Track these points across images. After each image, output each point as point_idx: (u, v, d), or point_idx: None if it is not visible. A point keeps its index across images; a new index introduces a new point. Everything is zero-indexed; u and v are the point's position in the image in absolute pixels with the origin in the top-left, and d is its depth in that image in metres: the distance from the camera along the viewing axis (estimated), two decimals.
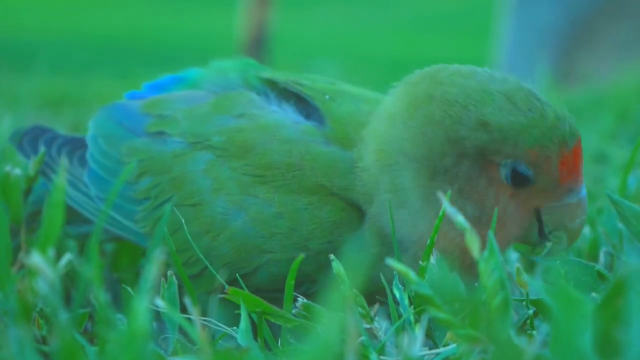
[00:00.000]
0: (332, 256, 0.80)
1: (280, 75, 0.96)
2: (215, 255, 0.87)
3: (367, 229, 0.85)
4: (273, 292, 0.85)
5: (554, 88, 3.28)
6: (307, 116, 0.91)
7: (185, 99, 0.97)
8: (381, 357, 0.74)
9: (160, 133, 0.94)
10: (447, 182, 0.82)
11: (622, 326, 0.56)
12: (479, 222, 0.81)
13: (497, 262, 0.70)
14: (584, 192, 0.83)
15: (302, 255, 0.80)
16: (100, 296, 0.65)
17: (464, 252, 0.76)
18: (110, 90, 3.47)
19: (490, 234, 0.72)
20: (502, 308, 0.69)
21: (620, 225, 0.92)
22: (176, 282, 0.81)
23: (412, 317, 0.77)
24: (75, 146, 1.03)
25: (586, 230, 1.12)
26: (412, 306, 0.78)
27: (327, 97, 0.92)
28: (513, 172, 0.81)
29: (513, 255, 1.03)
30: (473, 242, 0.70)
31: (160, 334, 0.83)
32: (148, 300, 0.61)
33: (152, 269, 0.64)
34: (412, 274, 0.72)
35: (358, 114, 0.90)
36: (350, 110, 0.90)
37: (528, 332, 0.78)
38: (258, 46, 5.41)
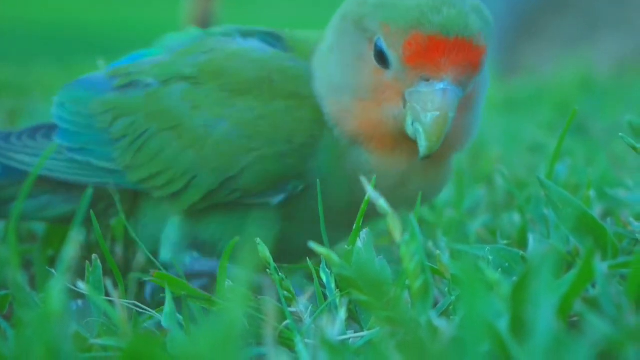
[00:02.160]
0: (257, 240, 0.80)
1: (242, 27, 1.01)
2: (201, 165, 0.91)
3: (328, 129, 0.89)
4: (260, 197, 0.90)
5: (498, 80, 3.31)
6: (273, 46, 0.96)
7: (149, 61, 1.00)
8: (306, 340, 0.74)
9: (130, 84, 0.98)
10: (333, 54, 0.88)
11: (532, 308, 0.57)
12: (347, 93, 0.87)
13: (418, 246, 0.70)
14: (441, 85, 0.81)
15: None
16: (16, 276, 0.65)
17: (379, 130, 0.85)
18: (52, 78, 3.43)
19: (412, 218, 0.73)
20: (423, 291, 0.70)
21: (547, 211, 0.93)
22: (101, 266, 0.80)
23: (338, 301, 0.77)
24: (35, 130, 1.03)
25: (515, 217, 1.14)
26: (337, 290, 0.78)
27: (286, 30, 0.98)
28: (375, 46, 0.84)
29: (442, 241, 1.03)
30: (395, 226, 0.71)
31: (87, 317, 0.82)
32: (64, 281, 0.60)
33: (70, 249, 0.63)
34: (335, 257, 0.73)
35: (313, 37, 0.95)
36: (306, 36, 0.96)
37: (451, 316, 0.78)
38: None
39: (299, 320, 0.77)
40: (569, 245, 0.86)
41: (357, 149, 0.88)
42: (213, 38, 0.99)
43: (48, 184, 0.99)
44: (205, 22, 5.48)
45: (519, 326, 0.60)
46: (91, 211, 0.85)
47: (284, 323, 0.75)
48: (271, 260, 0.79)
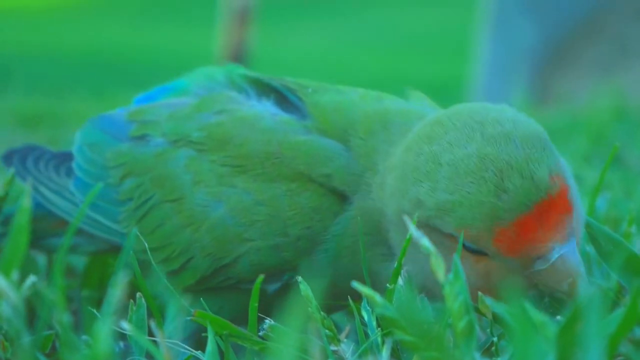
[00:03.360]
0: (299, 278, 0.79)
1: (265, 75, 0.97)
2: (196, 248, 0.87)
3: (347, 217, 0.84)
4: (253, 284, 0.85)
5: (530, 109, 3.30)
6: (288, 111, 0.90)
7: (170, 105, 0.97)
8: None
9: (143, 136, 0.95)
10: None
11: (580, 350, 0.56)
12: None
13: (462, 285, 0.70)
14: (555, 255, 0.75)
15: (261, 277, 0.79)
16: (63, 318, 0.65)
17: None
18: (87, 108, 3.45)
19: (456, 257, 0.73)
20: (467, 331, 0.70)
21: (589, 248, 0.92)
22: (145, 304, 0.80)
23: (379, 340, 0.77)
24: (63, 159, 1.03)
25: None
26: (379, 328, 0.78)
27: (309, 90, 0.92)
28: (464, 245, 0.77)
29: None
30: (438, 266, 0.71)
31: (128, 356, 0.82)
32: (111, 323, 0.61)
33: (116, 291, 0.64)
34: (377, 297, 0.73)
35: (344, 103, 0.89)
36: (336, 100, 0.90)
37: (494, 358, 0.78)
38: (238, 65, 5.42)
39: (340, 359, 0.77)
40: (610, 282, 0.85)
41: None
42: (228, 94, 0.94)
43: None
44: (239, 51, 5.52)
45: None
46: (132, 254, 0.85)
47: None
48: (313, 299, 0.79)
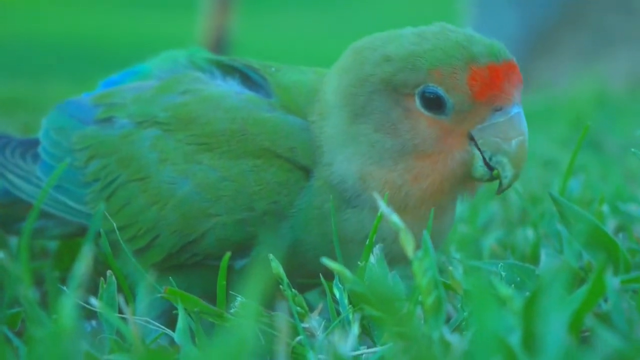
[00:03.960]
0: (270, 255, 0.79)
1: (227, 57, 0.98)
2: (163, 225, 0.87)
3: (317, 186, 0.85)
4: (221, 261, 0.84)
5: None
6: (253, 90, 0.92)
7: (135, 88, 0.98)
8: (319, 356, 0.74)
9: (109, 118, 0.95)
10: (364, 122, 0.83)
11: (544, 323, 0.57)
12: (405, 155, 0.82)
13: (431, 262, 0.70)
14: (514, 110, 0.81)
15: (228, 254, 0.80)
16: (28, 293, 0.65)
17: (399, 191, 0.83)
18: (66, 93, 3.44)
19: (426, 234, 0.73)
20: (436, 306, 0.70)
21: (560, 227, 0.93)
22: (115, 282, 0.80)
23: (350, 316, 0.77)
24: (29, 146, 1.03)
25: (529, 232, 1.13)
26: (350, 305, 0.78)
27: (273, 69, 0.93)
28: (422, 97, 0.81)
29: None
30: (407, 242, 0.71)
31: (100, 334, 0.82)
32: (75, 297, 0.60)
33: (81, 266, 0.63)
34: (347, 273, 0.73)
35: (305, 82, 0.91)
36: (297, 79, 0.92)
37: (463, 332, 0.78)
38: (218, 51, 5.41)
39: (311, 335, 0.77)
40: (582, 260, 0.86)
41: (363, 212, 0.85)
42: (192, 75, 0.95)
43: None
44: (220, 38, 5.51)
45: (531, 341, 0.59)
46: (102, 231, 0.85)
47: (297, 339, 0.75)
48: (284, 276, 0.79)
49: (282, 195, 0.85)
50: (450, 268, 0.82)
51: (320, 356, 0.74)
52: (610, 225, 1.09)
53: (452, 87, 0.80)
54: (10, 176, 1.00)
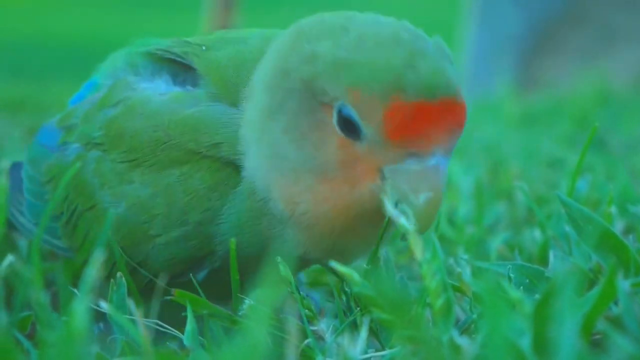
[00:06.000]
0: (279, 258, 0.77)
1: (163, 43, 0.89)
2: (115, 251, 0.82)
3: (244, 187, 0.78)
4: (181, 277, 0.81)
5: (515, 95, 3.31)
6: (181, 83, 0.83)
7: (86, 104, 0.91)
8: (328, 359, 0.74)
9: (65, 144, 0.90)
10: (277, 120, 0.73)
11: (556, 326, 0.57)
12: (307, 172, 0.73)
13: (440, 264, 0.70)
14: (433, 161, 0.69)
15: (233, 240, 0.77)
16: (39, 297, 0.65)
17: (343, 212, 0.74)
18: (70, 95, 3.44)
19: (433, 236, 0.73)
20: (445, 309, 0.70)
21: (568, 228, 0.93)
22: (125, 284, 0.80)
23: (359, 319, 0.77)
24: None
25: (536, 233, 1.13)
26: (358, 308, 0.78)
27: (203, 48, 0.84)
28: (339, 114, 0.70)
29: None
30: (416, 244, 0.70)
31: (110, 335, 0.82)
32: (87, 301, 0.60)
33: (92, 271, 0.63)
34: (356, 276, 0.72)
35: (245, 53, 0.81)
36: (235, 52, 0.82)
37: (473, 335, 0.78)
38: None
39: (320, 338, 0.77)
40: (591, 262, 0.86)
41: (291, 226, 0.77)
42: (125, 81, 0.87)
43: None
44: None
45: (542, 345, 0.59)
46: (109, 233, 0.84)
47: (306, 341, 0.75)
48: (292, 279, 0.78)
49: (213, 201, 0.78)
50: (459, 270, 0.82)
51: (329, 359, 0.74)
52: (618, 226, 1.09)
53: (367, 115, 0.69)
54: (12, 209, 0.98)
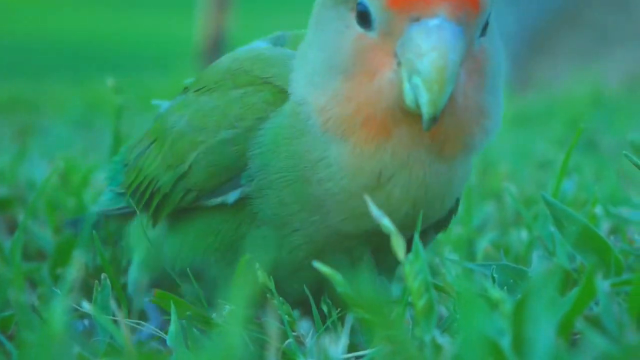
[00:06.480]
0: (257, 265, 0.77)
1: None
2: (160, 168, 0.86)
3: (288, 106, 0.80)
4: (213, 196, 0.82)
5: (509, 96, 3.31)
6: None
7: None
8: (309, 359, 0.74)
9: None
10: (314, 40, 0.77)
11: (533, 326, 0.57)
12: (332, 74, 0.74)
13: (422, 265, 0.70)
14: (434, 21, 0.68)
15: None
16: (19, 297, 0.65)
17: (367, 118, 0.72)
18: (63, 94, 3.44)
19: (416, 237, 0.72)
20: (427, 310, 0.70)
21: (553, 229, 0.93)
22: (110, 285, 0.80)
23: (337, 320, 0.78)
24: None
25: (523, 234, 1.14)
26: (340, 308, 0.78)
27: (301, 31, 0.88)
28: (357, 10, 0.72)
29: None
30: (398, 245, 0.70)
31: (92, 334, 0.83)
32: (66, 301, 0.60)
33: (72, 270, 0.63)
34: (338, 277, 0.72)
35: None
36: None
37: (455, 335, 0.78)
38: (216, 51, 5.40)
39: (301, 343, 0.77)
40: (575, 262, 0.86)
41: (330, 141, 0.75)
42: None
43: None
44: (218, 37, 5.50)
45: (521, 344, 0.59)
46: (94, 233, 0.85)
47: (286, 342, 0.75)
48: (271, 285, 0.78)
49: (268, 112, 0.80)
50: (444, 270, 0.82)
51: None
52: (604, 227, 1.09)
53: None
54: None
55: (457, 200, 0.86)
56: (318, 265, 0.71)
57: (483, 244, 1.14)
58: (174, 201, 0.84)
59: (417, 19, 0.68)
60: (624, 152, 0.88)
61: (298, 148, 0.77)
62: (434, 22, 0.67)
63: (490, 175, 1.66)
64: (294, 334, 0.76)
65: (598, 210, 0.99)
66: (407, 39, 0.68)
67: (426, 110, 0.67)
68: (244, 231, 0.82)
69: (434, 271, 0.92)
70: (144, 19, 11.19)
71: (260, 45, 0.89)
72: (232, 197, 0.81)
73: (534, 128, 2.77)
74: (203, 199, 0.82)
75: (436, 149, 0.73)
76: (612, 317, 0.65)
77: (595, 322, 0.66)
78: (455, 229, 1.21)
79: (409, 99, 0.69)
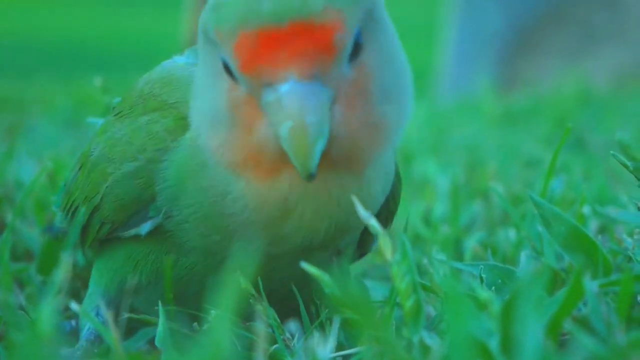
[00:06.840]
0: (238, 272, 0.75)
1: None
2: (79, 198, 0.84)
3: (190, 135, 0.77)
4: (126, 228, 0.80)
5: (496, 94, 3.32)
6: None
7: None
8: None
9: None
10: (199, 75, 0.74)
11: (521, 326, 0.57)
12: (216, 121, 0.71)
13: (410, 265, 0.70)
14: (285, 87, 0.65)
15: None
16: (7, 297, 0.65)
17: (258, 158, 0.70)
18: (51, 94, 3.43)
19: (404, 237, 0.72)
20: (415, 310, 0.70)
21: (540, 229, 0.93)
22: None
23: (327, 321, 0.78)
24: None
25: (511, 233, 1.14)
26: (328, 308, 0.78)
27: None
28: (222, 61, 0.69)
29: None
30: (386, 245, 0.70)
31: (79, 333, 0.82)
32: (54, 303, 0.60)
33: (60, 272, 0.63)
34: (326, 277, 0.72)
35: None
36: None
37: (444, 335, 0.78)
38: None
39: (288, 347, 0.77)
40: (563, 262, 0.86)
41: (231, 176, 0.73)
42: None
43: None
44: None
45: (509, 345, 0.60)
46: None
47: (274, 346, 0.75)
48: (253, 290, 0.77)
49: (167, 142, 0.77)
50: (431, 270, 0.82)
51: None
52: (592, 227, 1.10)
53: (227, 53, 0.67)
54: None
55: (392, 199, 0.83)
56: (305, 265, 0.71)
57: (471, 244, 1.14)
58: (92, 232, 0.83)
59: (270, 84, 0.65)
60: (611, 152, 0.89)
61: (202, 183, 0.75)
62: (284, 87, 0.65)
63: (478, 175, 1.66)
64: (281, 336, 0.76)
65: (586, 209, 0.99)
66: (263, 104, 0.66)
67: (300, 171, 0.65)
68: (173, 259, 0.80)
69: (421, 271, 0.92)
70: (131, 17, 11.18)
71: (179, 61, 0.85)
72: (144, 229, 0.79)
73: (521, 127, 2.78)
74: (118, 231, 0.80)
75: (335, 169, 0.71)
76: (600, 318, 0.65)
77: (583, 323, 0.66)
78: (443, 228, 1.22)
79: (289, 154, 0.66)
